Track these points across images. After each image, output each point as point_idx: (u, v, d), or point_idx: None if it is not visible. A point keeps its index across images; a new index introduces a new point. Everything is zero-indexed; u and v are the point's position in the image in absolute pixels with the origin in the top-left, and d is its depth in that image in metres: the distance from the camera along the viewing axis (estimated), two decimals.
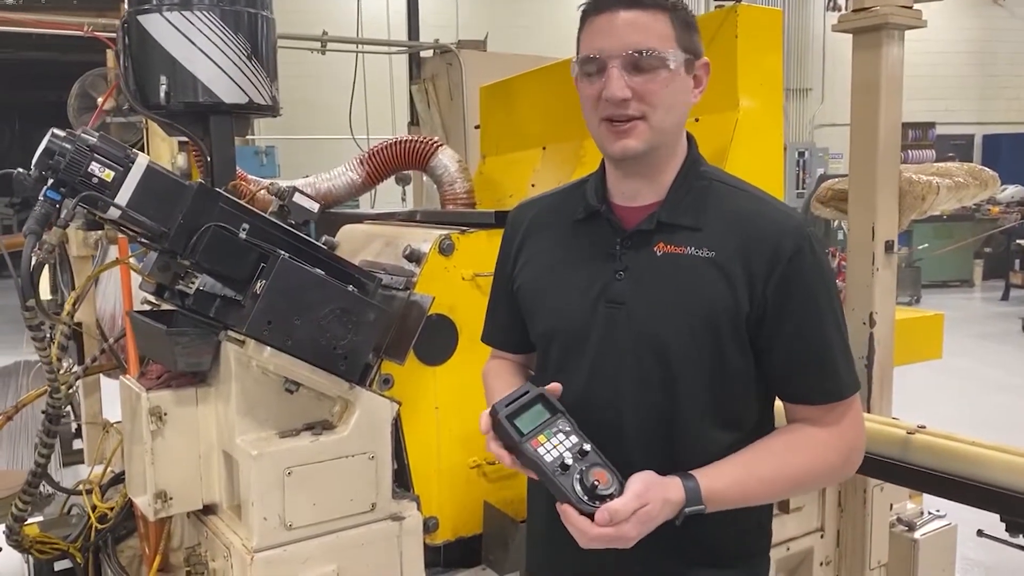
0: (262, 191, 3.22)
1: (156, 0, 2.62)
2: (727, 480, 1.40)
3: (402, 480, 2.23)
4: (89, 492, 2.59)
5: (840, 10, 13.93)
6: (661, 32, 1.43)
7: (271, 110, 2.89)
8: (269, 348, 1.91)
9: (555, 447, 1.35)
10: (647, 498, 1.31)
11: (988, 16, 17.39)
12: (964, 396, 7.41)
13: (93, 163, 1.86)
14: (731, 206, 1.49)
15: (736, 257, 1.43)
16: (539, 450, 1.34)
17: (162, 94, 2.60)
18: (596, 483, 1.30)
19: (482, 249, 2.30)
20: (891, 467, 2.05)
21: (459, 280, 2.26)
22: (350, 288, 2.00)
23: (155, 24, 2.63)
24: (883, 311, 2.87)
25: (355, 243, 2.62)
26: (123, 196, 1.89)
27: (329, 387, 2.01)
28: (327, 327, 1.95)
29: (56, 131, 1.88)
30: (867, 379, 2.90)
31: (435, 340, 2.24)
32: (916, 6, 2.78)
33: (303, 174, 3.50)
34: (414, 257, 2.23)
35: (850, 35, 2.87)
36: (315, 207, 2.20)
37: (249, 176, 3.32)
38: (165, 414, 2.07)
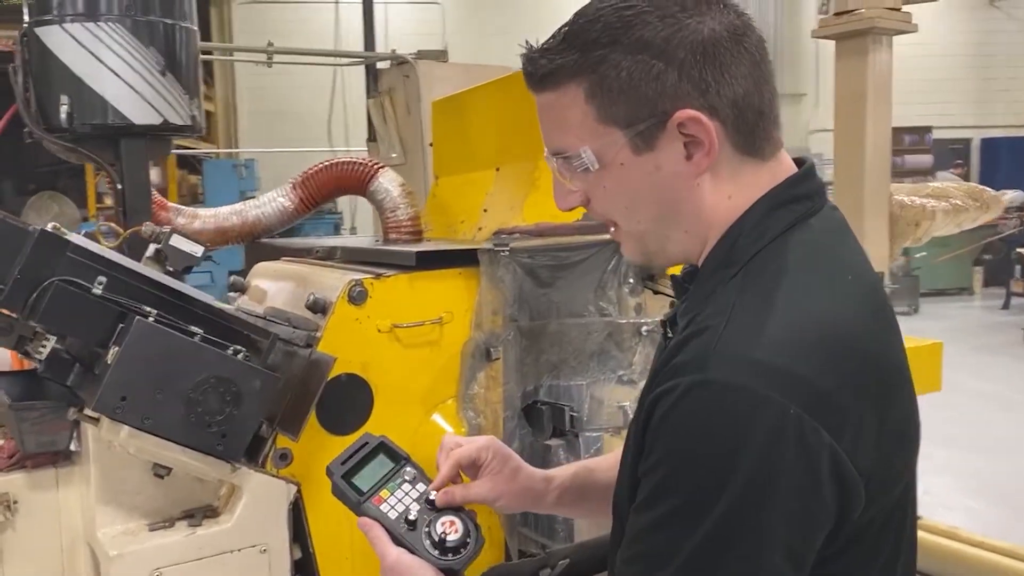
0: (183, 220, 2.91)
1: (57, 11, 2.33)
2: None
3: (308, 571, 1.89)
4: None
5: None
6: (571, 118, 1.01)
7: (191, 130, 2.59)
8: (127, 427, 1.58)
9: (400, 500, 1.22)
10: (397, 567, 1.15)
11: (984, 18, 17.08)
12: (965, 415, 7.07)
13: None
14: (704, 311, 0.99)
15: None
16: (382, 507, 1.21)
17: (63, 115, 2.31)
18: (444, 535, 1.18)
19: (401, 295, 1.97)
20: None
21: (374, 333, 1.93)
22: (230, 351, 1.67)
23: (56, 38, 2.35)
24: None
25: (266, 285, 2.29)
26: None
27: (206, 471, 1.68)
28: (199, 400, 1.62)
29: None
30: None
31: (344, 405, 1.90)
32: (905, 8, 2.46)
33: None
34: (318, 307, 1.90)
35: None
36: (198, 251, 1.87)
37: (170, 204, 2.99)
38: (15, 502, 1.75)
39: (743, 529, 0.86)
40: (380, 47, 6.64)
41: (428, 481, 1.25)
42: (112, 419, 1.57)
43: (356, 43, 7.99)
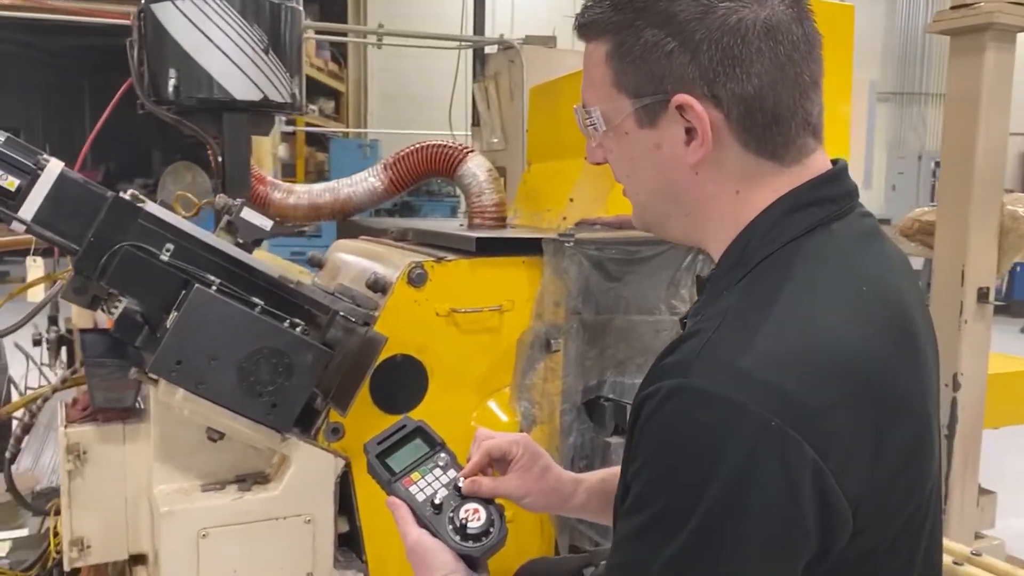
0: (280, 195, 3.01)
1: None
2: None
3: (354, 545, 1.93)
4: (56, 514, 2.42)
5: None
6: (595, 75, 1.01)
7: (290, 107, 2.67)
8: (182, 390, 1.65)
9: (429, 484, 1.23)
10: (417, 547, 1.14)
11: None
12: None
13: None
14: (706, 313, 0.95)
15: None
16: (411, 489, 1.22)
17: (171, 88, 2.41)
18: (466, 520, 1.18)
19: (462, 280, 1.97)
20: None
21: (432, 315, 1.94)
22: (286, 324, 1.71)
23: (168, 14, 2.46)
24: (972, 371, 2.38)
25: (340, 262, 2.34)
26: (28, 209, 1.66)
27: (256, 438, 1.72)
28: (251, 370, 1.66)
29: None
30: (947, 451, 2.41)
31: (399, 385, 1.92)
32: None
33: None
34: (378, 286, 1.92)
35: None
36: (267, 224, 1.92)
37: (268, 178, 3.10)
38: (85, 452, 1.84)
39: (714, 547, 0.82)
40: (504, 31, 6.65)
41: (460, 469, 1.25)
42: (168, 381, 1.63)
43: (488, 27, 8.04)
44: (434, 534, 1.17)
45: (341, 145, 12.51)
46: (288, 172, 10.91)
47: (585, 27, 1.02)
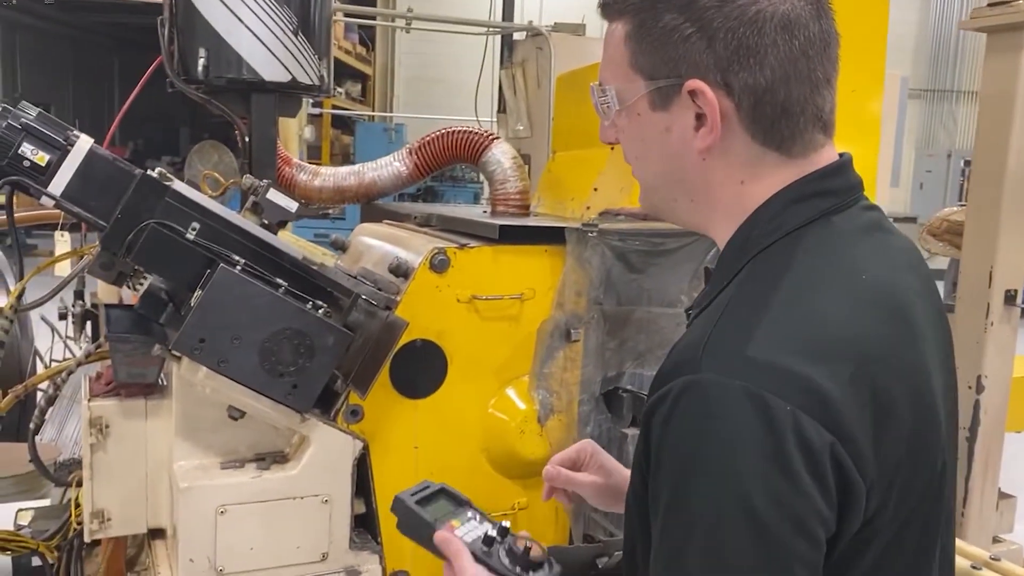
0: (305, 177, 3.02)
1: None
2: None
3: (370, 527, 1.94)
4: (78, 485, 2.45)
5: None
6: (613, 54, 1.03)
7: (318, 90, 2.68)
8: (204, 368, 1.66)
9: (472, 530, 1.19)
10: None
11: None
12: None
13: (25, 144, 1.65)
14: (709, 306, 0.97)
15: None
16: (457, 532, 1.17)
17: (200, 67, 2.43)
18: (528, 548, 1.14)
19: (484, 267, 1.97)
20: None
21: (453, 302, 1.94)
22: (308, 306, 1.72)
23: None
24: (996, 374, 2.35)
25: (363, 246, 2.34)
26: (57, 184, 1.68)
27: (276, 418, 1.74)
28: (272, 350, 1.67)
29: None
30: (968, 453, 2.39)
31: (418, 370, 1.93)
32: None
33: None
34: (400, 271, 1.93)
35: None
36: (293, 206, 1.93)
37: (294, 160, 3.11)
38: (107, 426, 1.86)
39: (751, 536, 0.82)
40: (533, 17, 6.62)
41: (495, 523, 1.21)
42: (191, 359, 1.65)
43: (517, 13, 8.00)
44: (491, 569, 1.12)
45: (367, 128, 12.53)
46: (314, 154, 10.96)
47: (607, 6, 1.04)
